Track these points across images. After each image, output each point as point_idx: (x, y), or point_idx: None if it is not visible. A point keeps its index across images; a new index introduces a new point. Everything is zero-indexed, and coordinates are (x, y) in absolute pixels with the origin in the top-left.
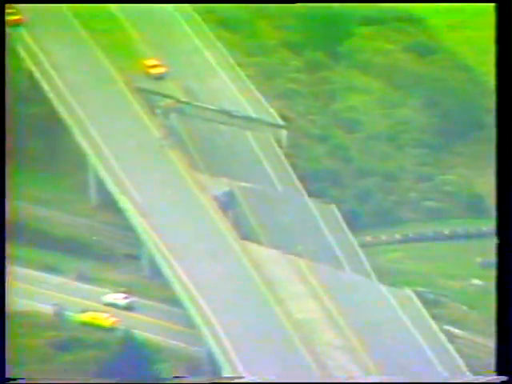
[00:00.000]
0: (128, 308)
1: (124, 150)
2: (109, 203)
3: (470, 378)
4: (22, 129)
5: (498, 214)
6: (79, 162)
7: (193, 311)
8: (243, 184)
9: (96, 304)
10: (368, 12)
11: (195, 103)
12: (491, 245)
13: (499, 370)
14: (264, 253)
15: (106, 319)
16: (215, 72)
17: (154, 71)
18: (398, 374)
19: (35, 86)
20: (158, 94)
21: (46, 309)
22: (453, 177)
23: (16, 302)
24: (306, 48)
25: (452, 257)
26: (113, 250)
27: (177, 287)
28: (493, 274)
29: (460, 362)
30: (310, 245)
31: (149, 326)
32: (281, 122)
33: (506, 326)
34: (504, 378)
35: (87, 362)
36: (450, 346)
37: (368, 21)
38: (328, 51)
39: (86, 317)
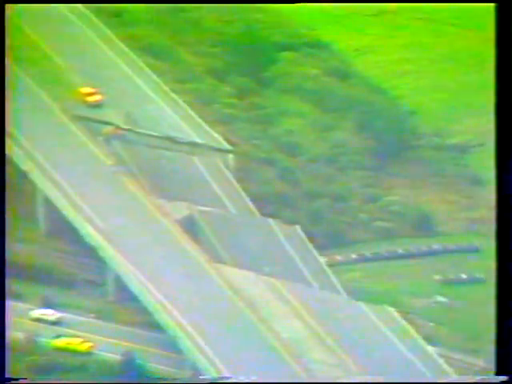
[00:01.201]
0: (57, 323)
1: (75, 177)
2: (58, 230)
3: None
4: None
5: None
6: (20, 189)
7: (177, 333)
8: (203, 208)
9: (66, 329)
10: (280, 38)
11: (137, 130)
12: (445, 262)
13: (499, 370)
14: (238, 274)
15: (81, 344)
16: (150, 98)
17: (90, 99)
18: None
19: None
20: (98, 121)
21: (17, 335)
22: (396, 197)
23: None
24: (231, 74)
25: (409, 275)
26: (73, 276)
27: (154, 310)
28: (453, 290)
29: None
30: (277, 266)
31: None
32: (227, 146)
33: (505, 327)
34: (504, 378)
35: None
36: (438, 358)
37: (283, 47)
38: (253, 77)
39: (60, 342)
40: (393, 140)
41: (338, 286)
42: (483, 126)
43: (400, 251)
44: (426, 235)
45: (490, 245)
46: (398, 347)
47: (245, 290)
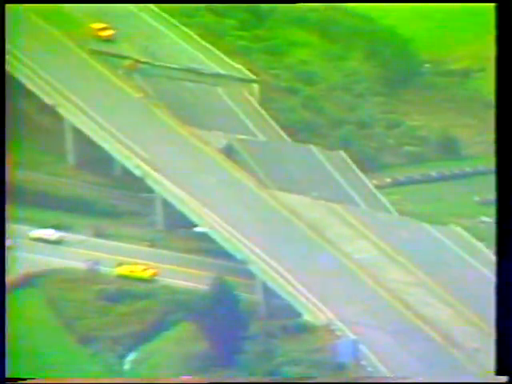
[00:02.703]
0: (59, 242)
1: (106, 110)
2: (87, 164)
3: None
4: None
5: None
6: (41, 125)
7: (247, 257)
8: (241, 136)
9: (122, 257)
10: None
11: (157, 63)
12: (479, 184)
13: (499, 371)
14: (294, 199)
15: (144, 271)
16: (163, 33)
17: (103, 34)
18: (475, 303)
19: None
20: (116, 55)
21: (79, 265)
22: (418, 123)
23: (43, 261)
24: (229, 9)
25: (448, 197)
26: (114, 207)
27: (218, 236)
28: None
29: None
30: (325, 190)
31: (190, 277)
32: (251, 75)
33: (506, 327)
34: (504, 379)
35: (143, 312)
36: None
37: None
38: (251, 10)
39: (123, 270)
40: (400, 67)
41: (391, 208)
42: (478, 52)
43: (433, 174)
44: (454, 158)
45: None
46: (472, 264)
47: (304, 214)
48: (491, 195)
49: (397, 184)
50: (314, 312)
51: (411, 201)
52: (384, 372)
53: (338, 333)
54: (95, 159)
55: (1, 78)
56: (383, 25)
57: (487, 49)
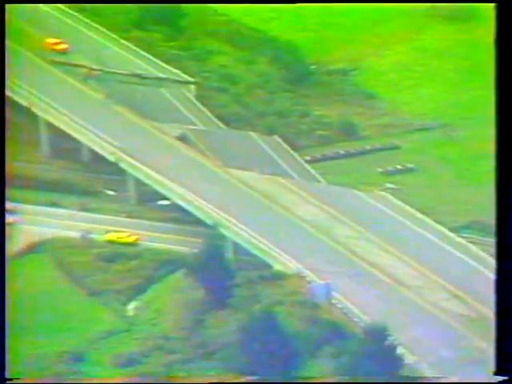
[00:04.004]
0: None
1: (75, 108)
2: (59, 153)
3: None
4: None
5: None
6: (19, 123)
7: (216, 222)
8: (192, 127)
9: (107, 227)
10: None
11: (108, 69)
12: (380, 158)
13: (499, 370)
14: (245, 175)
15: (128, 237)
16: (105, 45)
17: (58, 47)
18: (410, 251)
19: None
20: (74, 64)
21: (73, 234)
22: (322, 112)
23: (41, 232)
24: (151, 25)
25: (356, 170)
26: (91, 187)
27: (190, 206)
28: (396, 179)
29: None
30: (265, 168)
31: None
32: (188, 78)
33: (505, 326)
34: (504, 378)
35: (136, 269)
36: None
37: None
38: (170, 26)
39: (111, 236)
40: (295, 69)
41: (321, 180)
42: (349, 55)
43: (341, 152)
44: (354, 139)
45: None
46: (400, 220)
47: (256, 186)
48: (390, 166)
49: (314, 161)
50: (283, 263)
51: (329, 174)
52: (351, 307)
53: (308, 279)
54: (65, 149)
55: (1, 77)
56: (274, 35)
57: (356, 52)
